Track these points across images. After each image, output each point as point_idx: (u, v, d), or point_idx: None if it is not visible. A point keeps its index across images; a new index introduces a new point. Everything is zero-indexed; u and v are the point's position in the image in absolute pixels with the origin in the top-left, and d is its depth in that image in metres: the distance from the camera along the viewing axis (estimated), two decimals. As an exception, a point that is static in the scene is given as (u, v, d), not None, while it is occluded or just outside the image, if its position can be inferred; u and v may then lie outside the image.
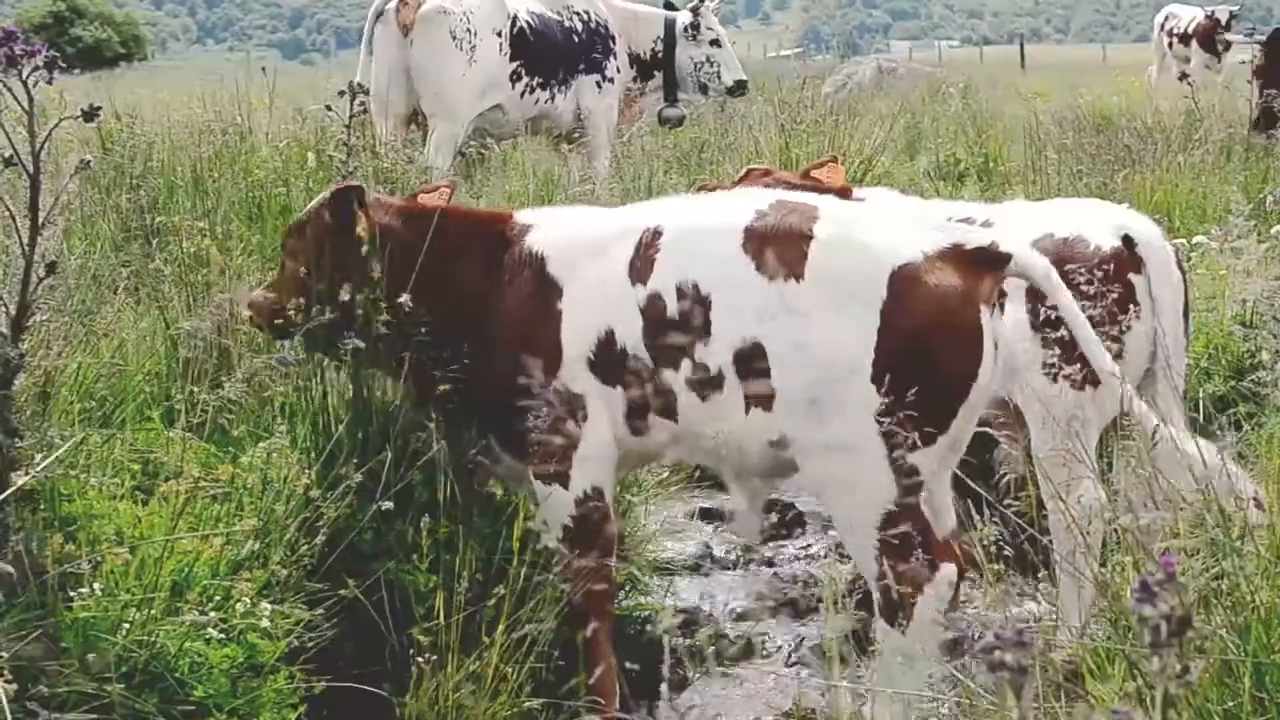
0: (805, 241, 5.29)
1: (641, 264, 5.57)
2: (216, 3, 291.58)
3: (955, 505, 5.54)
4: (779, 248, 5.31)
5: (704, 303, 5.41)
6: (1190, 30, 31.32)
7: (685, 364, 5.46)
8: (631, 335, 5.53)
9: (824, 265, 5.25)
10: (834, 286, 5.22)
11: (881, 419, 5.12)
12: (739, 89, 15.61)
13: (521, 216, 6.17)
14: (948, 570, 5.31)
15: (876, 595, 5.36)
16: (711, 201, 6.04)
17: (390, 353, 5.86)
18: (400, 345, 5.85)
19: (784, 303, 5.27)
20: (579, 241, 5.83)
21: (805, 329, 5.23)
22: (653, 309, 5.50)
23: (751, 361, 5.34)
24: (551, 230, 5.97)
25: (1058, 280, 5.46)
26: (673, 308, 5.46)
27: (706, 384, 5.44)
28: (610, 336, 5.57)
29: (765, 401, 5.35)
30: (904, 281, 5.16)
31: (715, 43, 15.42)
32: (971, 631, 6.47)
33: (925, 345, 5.16)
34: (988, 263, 5.33)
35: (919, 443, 5.13)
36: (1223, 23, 30.34)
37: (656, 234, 5.60)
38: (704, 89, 15.52)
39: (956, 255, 5.28)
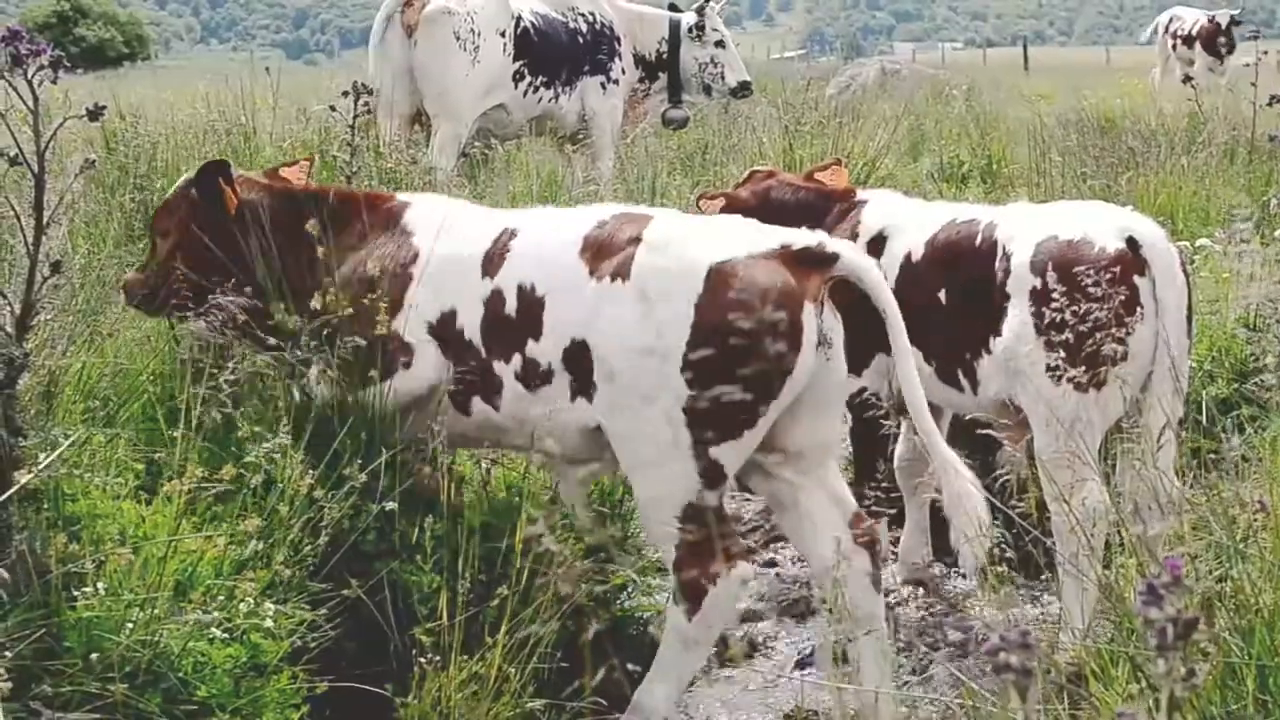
0: (633, 245, 5.60)
1: (494, 260, 5.93)
2: (220, 3, 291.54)
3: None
4: (610, 253, 5.64)
5: (539, 304, 5.76)
6: (1194, 33, 31.32)
7: (516, 358, 5.83)
8: (471, 322, 5.91)
9: (646, 265, 5.53)
10: (653, 283, 5.48)
11: (690, 410, 5.37)
12: (743, 90, 15.62)
13: (403, 197, 6.64)
14: (742, 569, 5.59)
15: (672, 579, 5.61)
16: (568, 213, 6.28)
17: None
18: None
19: (608, 301, 5.57)
20: (446, 222, 6.17)
21: (624, 324, 5.51)
22: (494, 303, 5.86)
23: (578, 356, 5.66)
24: (426, 208, 6.39)
25: (881, 280, 5.70)
26: (511, 306, 5.83)
27: (535, 377, 5.79)
28: (453, 315, 5.97)
29: (588, 393, 5.66)
30: (720, 277, 5.40)
31: (720, 44, 15.44)
32: (975, 633, 6.50)
33: (740, 340, 5.30)
34: (814, 262, 5.53)
35: (726, 436, 5.39)
36: (1223, 27, 30.38)
37: (512, 235, 5.99)
38: (708, 90, 15.54)
39: (781, 255, 5.49)
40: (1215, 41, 30.18)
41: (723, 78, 15.42)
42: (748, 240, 5.56)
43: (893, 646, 5.39)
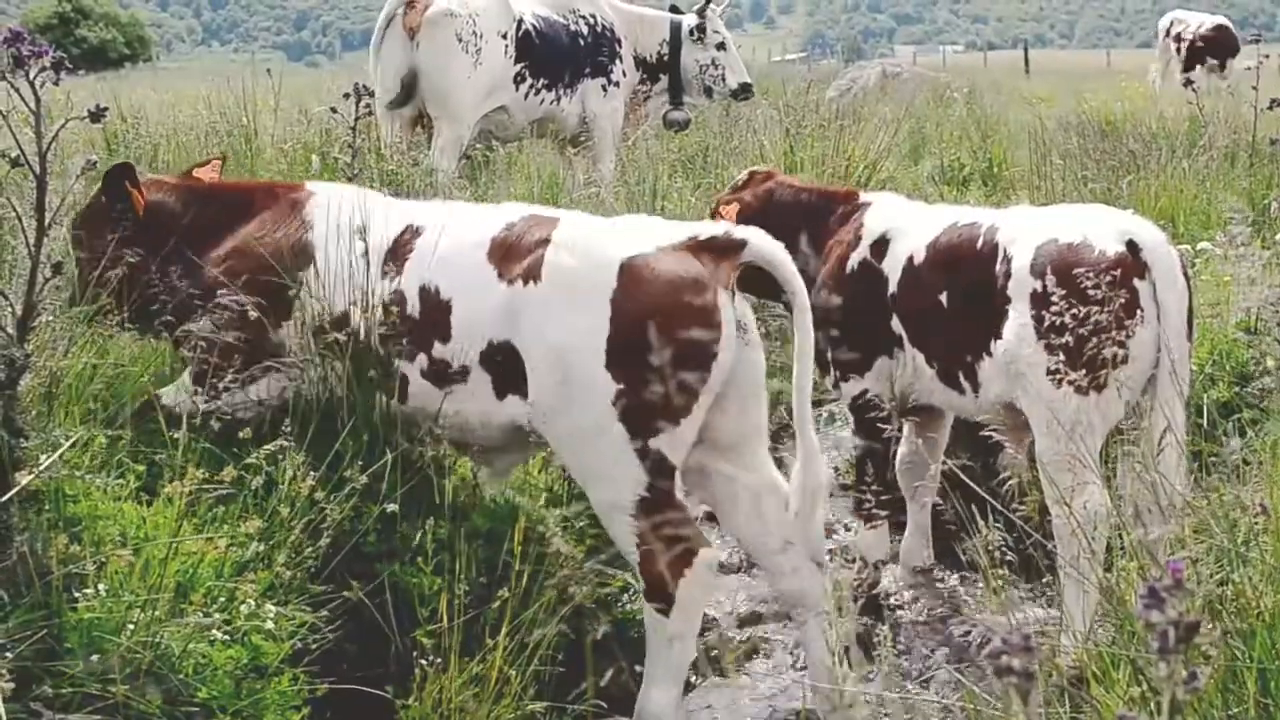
0: (543, 246, 5.70)
1: (394, 259, 6.02)
2: (221, 4, 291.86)
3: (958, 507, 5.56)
4: (520, 255, 5.74)
5: (445, 307, 5.87)
6: (1189, 37, 31.39)
7: (421, 358, 5.92)
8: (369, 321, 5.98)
9: (558, 265, 5.63)
10: (568, 283, 5.59)
11: (622, 405, 5.47)
12: (744, 92, 15.61)
13: (311, 186, 6.68)
14: (706, 554, 5.64)
15: (640, 580, 5.68)
16: (474, 213, 6.29)
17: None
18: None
19: (525, 304, 5.66)
20: (347, 218, 6.16)
21: (543, 326, 5.62)
22: (395, 302, 5.95)
23: (497, 358, 5.76)
24: (329, 200, 6.36)
25: (791, 266, 5.74)
26: (413, 306, 5.93)
27: (446, 378, 5.90)
28: (345, 317, 6.05)
29: (519, 391, 5.76)
30: (633, 272, 5.50)
31: (721, 46, 15.43)
32: (976, 636, 6.50)
33: (659, 331, 5.41)
34: (722, 250, 5.62)
35: (662, 425, 5.47)
36: (1222, 35, 30.58)
37: (416, 233, 6.07)
38: (709, 92, 15.54)
39: (690, 246, 5.60)
40: (1214, 48, 30.39)
41: (724, 79, 15.42)
42: (656, 234, 5.68)
43: (893, 649, 5.37)
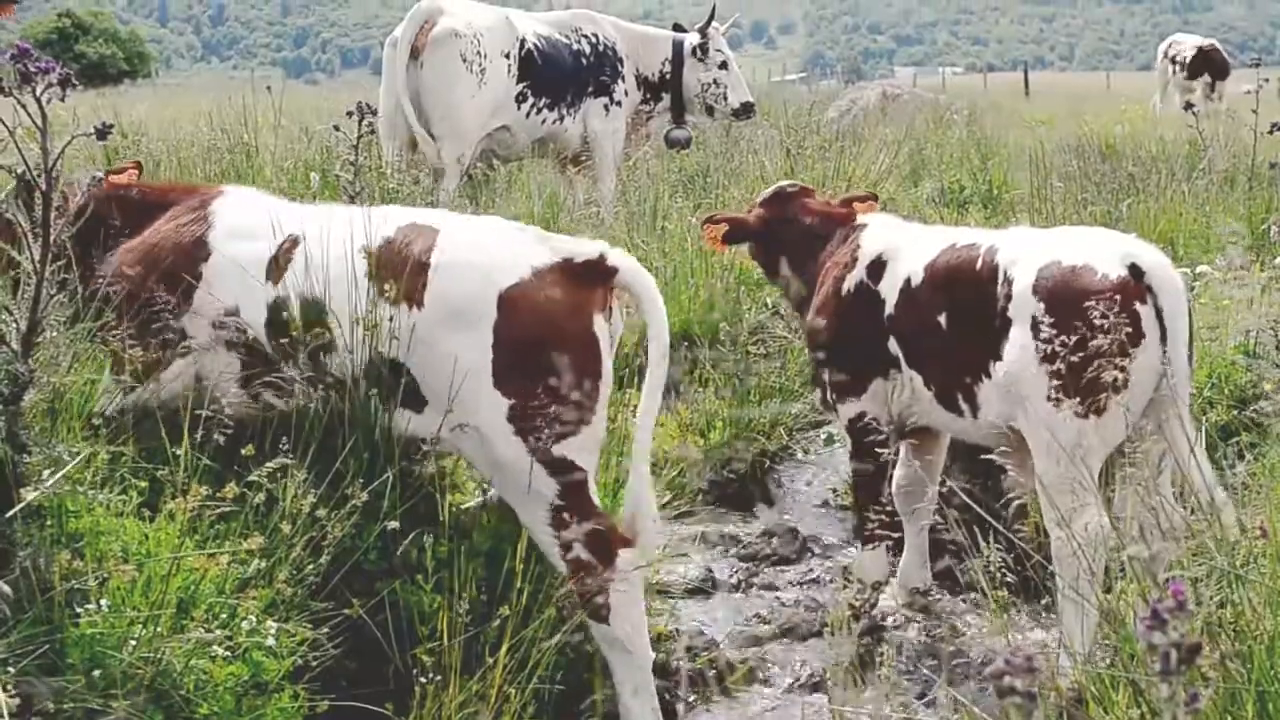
0: (423, 271, 5.84)
1: (278, 266, 6.11)
2: (221, 21, 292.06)
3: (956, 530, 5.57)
4: (398, 273, 5.84)
5: (324, 317, 5.96)
6: (1191, 59, 31.68)
7: (305, 362, 6.00)
8: (255, 322, 6.13)
9: (440, 293, 5.79)
10: (451, 312, 5.75)
11: (515, 421, 5.68)
12: (745, 111, 15.64)
13: (222, 189, 6.79)
14: (627, 555, 5.79)
15: (571, 589, 5.80)
16: (352, 220, 6.28)
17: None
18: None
19: (408, 327, 5.81)
20: (241, 221, 6.34)
21: (429, 351, 5.78)
22: (277, 308, 5.99)
23: (380, 372, 5.91)
24: (228, 204, 6.51)
25: (654, 293, 5.97)
26: (296, 315, 6.00)
27: (331, 385, 6.00)
28: (236, 313, 6.13)
29: (415, 407, 5.93)
30: (512, 301, 5.70)
31: (723, 65, 15.46)
32: (976, 657, 6.51)
33: (542, 353, 5.67)
34: (595, 276, 5.84)
35: (561, 436, 5.67)
36: (1214, 58, 30.98)
37: (295, 242, 6.14)
38: (711, 111, 15.57)
39: (565, 269, 5.81)
40: (1207, 70, 30.81)
41: (725, 98, 15.45)
42: (532, 258, 5.83)
43: (893, 670, 5.38)
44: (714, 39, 15.46)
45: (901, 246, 7.07)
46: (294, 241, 6.15)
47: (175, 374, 6.23)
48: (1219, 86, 30.60)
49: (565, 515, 5.74)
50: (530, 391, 5.68)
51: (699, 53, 15.35)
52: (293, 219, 6.32)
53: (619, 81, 15.08)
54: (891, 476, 7.47)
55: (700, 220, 8.13)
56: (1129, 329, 5.93)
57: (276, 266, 6.11)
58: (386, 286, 5.84)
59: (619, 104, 15.07)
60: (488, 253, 5.90)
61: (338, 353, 5.96)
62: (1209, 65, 31.45)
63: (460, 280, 5.79)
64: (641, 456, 5.85)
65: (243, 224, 6.32)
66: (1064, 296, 6.08)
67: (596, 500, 5.85)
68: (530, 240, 5.99)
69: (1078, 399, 5.99)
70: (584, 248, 5.92)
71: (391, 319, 5.83)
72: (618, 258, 5.91)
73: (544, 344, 5.70)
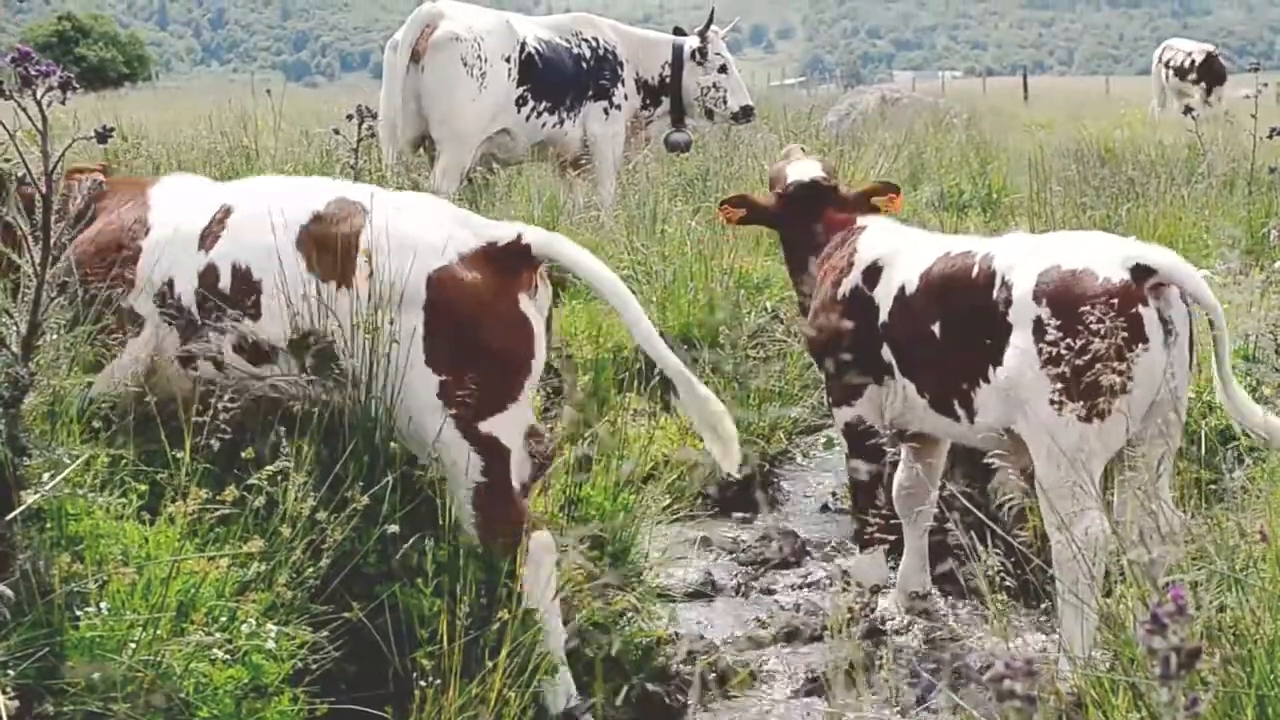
0: (353, 252, 5.97)
1: (209, 236, 6.21)
2: (221, 24, 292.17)
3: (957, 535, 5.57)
4: (329, 251, 5.99)
5: (255, 286, 6.11)
6: (1187, 65, 31.92)
7: (233, 333, 6.11)
8: (187, 292, 6.21)
9: (370, 274, 5.91)
10: (381, 295, 5.84)
11: (445, 396, 5.81)
12: (745, 114, 15.65)
13: (158, 179, 6.92)
14: (540, 538, 5.98)
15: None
16: (282, 190, 6.46)
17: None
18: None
19: (341, 305, 5.94)
20: (175, 199, 6.48)
21: (358, 334, 5.90)
22: (208, 276, 6.17)
23: (309, 343, 6.02)
24: (165, 188, 6.65)
25: (585, 262, 6.06)
26: (225, 281, 6.11)
27: (258, 355, 6.13)
28: (171, 284, 6.25)
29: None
30: (440, 285, 5.87)
31: (723, 68, 15.48)
32: (975, 661, 6.51)
33: (471, 335, 5.81)
34: (517, 255, 5.97)
35: (489, 412, 5.82)
36: (1210, 63, 31.26)
37: (228, 212, 6.26)
38: (710, 114, 15.58)
39: (489, 252, 5.98)
40: (1202, 75, 31.15)
41: (725, 102, 15.47)
42: (457, 243, 5.96)
43: (893, 674, 5.38)
44: (713, 43, 15.48)
45: (897, 253, 7.07)
46: (226, 211, 6.28)
47: (133, 355, 6.31)
48: (1216, 91, 30.78)
49: (486, 493, 5.87)
50: (460, 370, 5.80)
51: (698, 56, 15.37)
52: (227, 193, 6.47)
53: (619, 85, 15.11)
54: (892, 480, 7.47)
55: (721, 200, 8.12)
56: (1131, 332, 5.92)
57: (209, 236, 6.23)
58: (315, 259, 6.01)
59: (619, 108, 15.09)
60: (414, 232, 6.00)
61: (264, 322, 6.07)
62: (1205, 71, 31.64)
63: (390, 264, 5.89)
64: (674, 368, 5.97)
65: (178, 202, 6.44)
66: (1066, 300, 6.07)
67: (518, 483, 5.97)
68: (455, 222, 6.13)
69: (1080, 403, 5.98)
70: (502, 230, 6.06)
71: (320, 293, 5.97)
72: (532, 235, 6.03)
73: (476, 326, 5.84)
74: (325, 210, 6.14)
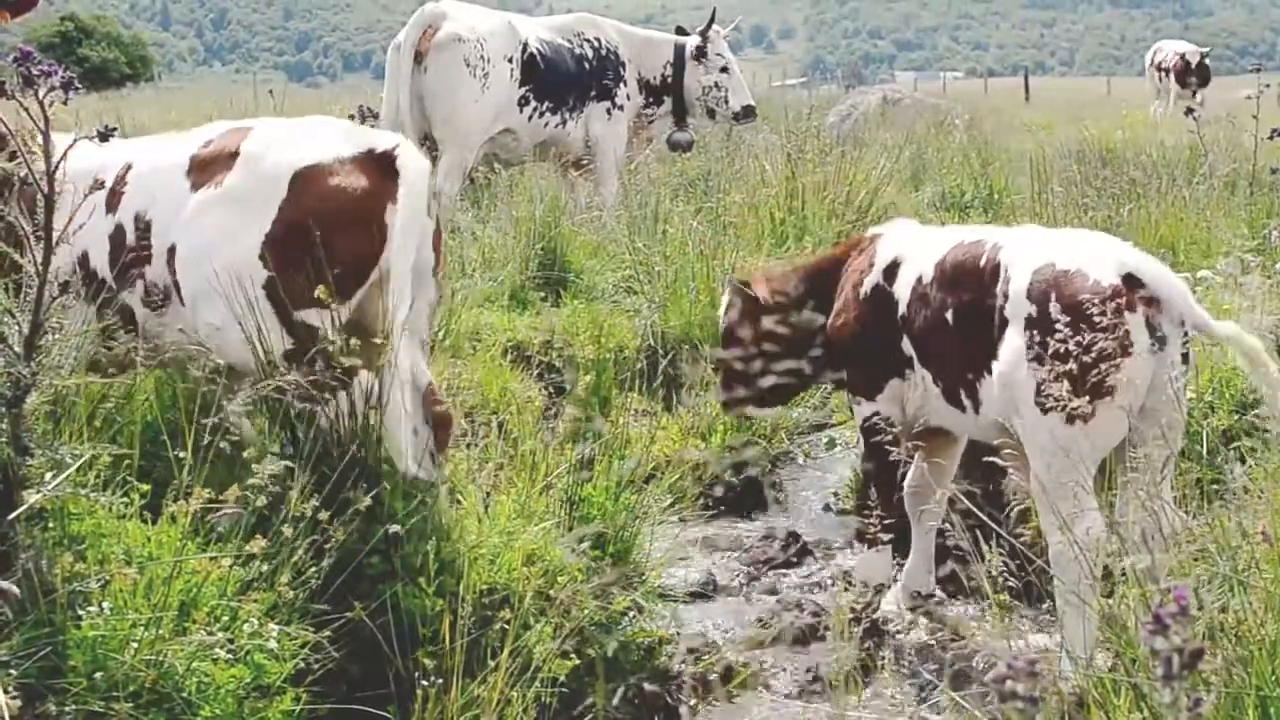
0: (232, 159, 6.21)
1: (114, 197, 6.39)
2: (223, 25, 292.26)
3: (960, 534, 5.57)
4: (213, 169, 6.19)
5: (150, 229, 6.32)
6: (1169, 66, 32.51)
7: (139, 284, 6.36)
8: (100, 260, 6.45)
9: (241, 174, 6.14)
10: (245, 191, 6.07)
11: (270, 290, 5.99)
12: (746, 114, 15.65)
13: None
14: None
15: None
16: (179, 138, 6.70)
17: None
18: None
19: (203, 211, 6.15)
20: (81, 169, 6.34)
21: (217, 230, 6.07)
22: (116, 237, 6.39)
23: (169, 259, 6.22)
24: (77, 160, 6.54)
25: (414, 190, 6.14)
26: (130, 237, 6.31)
27: (158, 300, 6.30)
28: (86, 257, 6.46)
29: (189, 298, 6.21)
30: (304, 181, 6.06)
31: (724, 69, 15.47)
32: (978, 661, 6.50)
33: (324, 232, 5.89)
34: (389, 165, 6.14)
35: (308, 305, 5.93)
36: (1193, 65, 31.84)
37: (128, 168, 6.45)
38: (711, 114, 15.58)
39: (365, 159, 6.15)
40: (1185, 77, 31.74)
41: (726, 101, 15.47)
42: (335, 145, 6.15)
43: (895, 674, 5.38)
44: (714, 42, 15.49)
45: (915, 248, 7.11)
46: (128, 167, 6.46)
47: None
48: (1200, 93, 31.11)
49: (295, 356, 6.00)
50: (301, 269, 5.89)
51: (699, 56, 15.37)
52: (130, 149, 6.63)
53: (621, 85, 15.12)
54: (902, 479, 7.48)
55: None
56: (1116, 337, 5.93)
57: (114, 196, 6.40)
58: (199, 180, 6.19)
59: (621, 108, 15.10)
60: (293, 137, 6.23)
61: (154, 260, 6.27)
62: (1189, 71, 32.05)
63: (262, 164, 6.09)
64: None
65: (87, 166, 6.38)
66: (1055, 300, 6.08)
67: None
68: (340, 130, 6.33)
69: (1065, 403, 5.97)
70: (383, 140, 6.22)
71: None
72: (406, 152, 6.18)
73: (329, 224, 5.95)
74: (216, 137, 6.37)
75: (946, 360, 6.77)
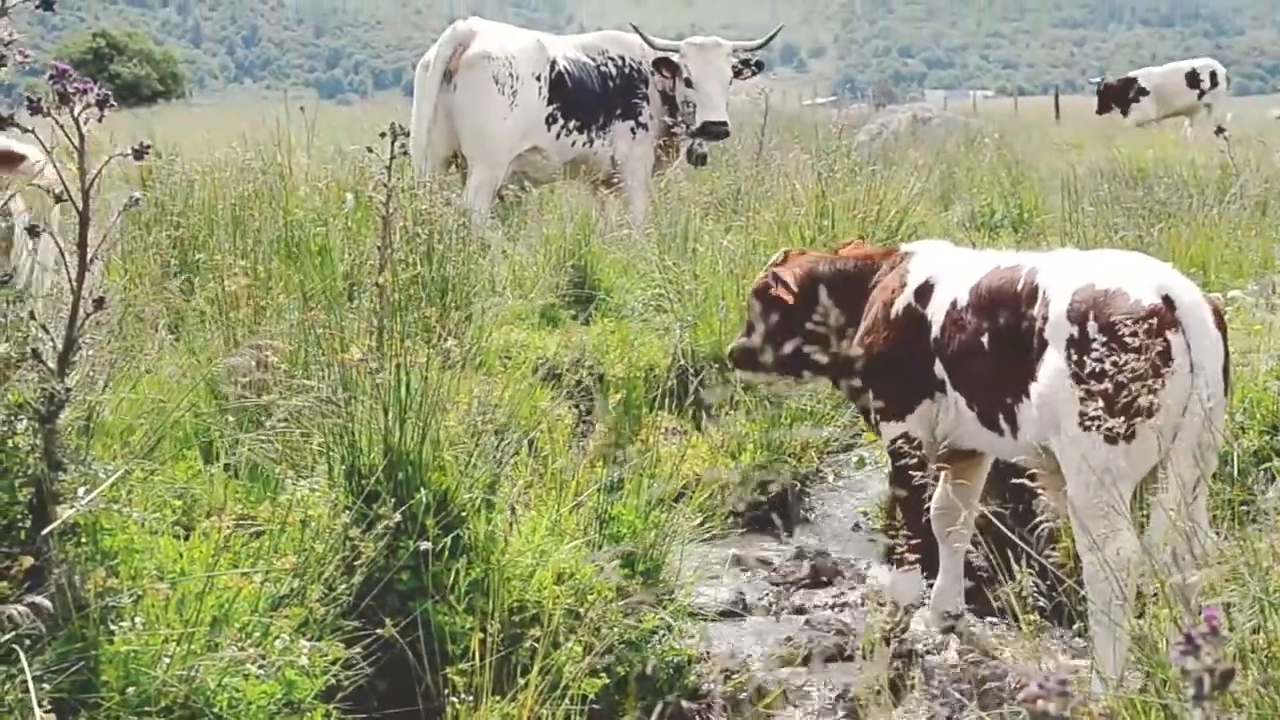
0: None
1: None
2: (254, 42, 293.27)
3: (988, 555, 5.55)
4: None
5: None
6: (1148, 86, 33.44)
7: None
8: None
9: None
10: None
11: None
12: (704, 132, 15.13)
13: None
14: None
15: None
16: None
17: None
18: None
19: None
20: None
21: None
22: None
23: None
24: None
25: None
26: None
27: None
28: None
29: None
30: None
31: (688, 82, 15.06)
32: (1008, 682, 6.48)
33: None
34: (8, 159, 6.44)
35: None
36: (1142, 86, 32.86)
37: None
38: (686, 128, 15.23)
39: None
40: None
41: (694, 117, 15.09)
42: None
43: (925, 693, 5.37)
44: (685, 54, 15.11)
45: (948, 270, 7.10)
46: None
47: None
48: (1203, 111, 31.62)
49: None
50: None
51: (664, 70, 15.05)
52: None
53: (646, 104, 15.07)
54: (929, 499, 7.46)
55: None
56: (1160, 356, 5.91)
57: None
58: None
59: (645, 127, 15.05)
60: None
61: None
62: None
63: None
64: None
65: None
66: (1097, 320, 6.07)
67: None
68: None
69: (1108, 424, 5.96)
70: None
71: None
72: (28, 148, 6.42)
73: None
74: None
75: (983, 383, 6.75)
